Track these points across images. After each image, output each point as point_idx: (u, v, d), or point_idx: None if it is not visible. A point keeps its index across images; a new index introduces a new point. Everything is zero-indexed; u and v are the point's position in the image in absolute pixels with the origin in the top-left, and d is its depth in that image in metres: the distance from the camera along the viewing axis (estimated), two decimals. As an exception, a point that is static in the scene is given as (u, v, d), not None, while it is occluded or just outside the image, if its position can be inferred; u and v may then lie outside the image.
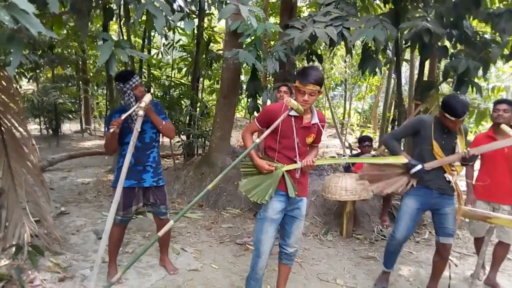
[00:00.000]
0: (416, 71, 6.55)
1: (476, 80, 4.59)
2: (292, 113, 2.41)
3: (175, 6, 4.05)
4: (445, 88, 8.57)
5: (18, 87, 10.31)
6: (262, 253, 2.48)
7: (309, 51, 5.15)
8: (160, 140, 3.14)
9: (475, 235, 3.41)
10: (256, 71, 5.02)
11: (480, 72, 4.54)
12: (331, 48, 5.12)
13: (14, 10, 1.42)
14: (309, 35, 4.22)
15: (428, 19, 4.11)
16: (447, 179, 2.80)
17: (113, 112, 2.88)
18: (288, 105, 2.32)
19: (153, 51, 8.50)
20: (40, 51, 9.70)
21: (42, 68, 10.75)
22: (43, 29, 1.46)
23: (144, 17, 6.28)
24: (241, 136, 2.68)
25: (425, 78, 5.58)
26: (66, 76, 12.08)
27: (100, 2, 2.79)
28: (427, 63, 5.56)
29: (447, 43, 5.12)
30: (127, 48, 2.48)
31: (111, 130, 2.64)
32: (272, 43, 8.32)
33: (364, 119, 18.20)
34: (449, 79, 4.88)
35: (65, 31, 9.69)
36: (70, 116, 11.54)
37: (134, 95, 2.74)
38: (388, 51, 5.97)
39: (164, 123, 2.87)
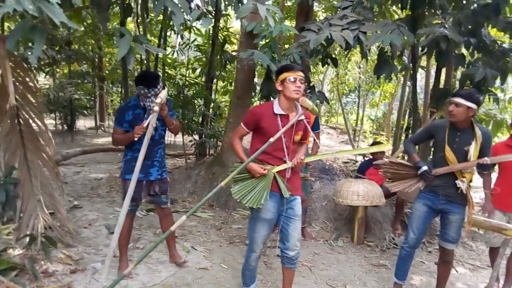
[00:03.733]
0: (432, 79, 6.48)
1: (493, 90, 4.52)
2: (278, 112, 2.44)
3: (192, 5, 4.09)
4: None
5: (35, 81, 10.50)
6: (255, 249, 2.58)
7: (324, 55, 5.13)
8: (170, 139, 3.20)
9: (489, 244, 3.35)
10: (271, 73, 5.02)
11: (498, 82, 4.47)
12: (346, 52, 5.11)
13: (39, 1, 1.44)
14: (325, 38, 4.21)
15: (446, 26, 4.07)
16: (458, 185, 2.76)
17: (125, 108, 2.87)
18: (303, 105, 2.32)
19: (168, 50, 8.56)
20: (58, 47, 9.85)
21: (59, 64, 10.90)
22: (65, 19, 1.48)
23: (160, 16, 6.34)
24: (230, 143, 2.67)
25: (441, 86, 5.52)
26: (82, 73, 12.24)
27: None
28: (443, 70, 5.50)
29: (464, 51, 5.05)
30: (145, 43, 2.50)
31: (135, 139, 2.71)
32: (286, 46, 8.32)
33: (377, 126, 18.06)
34: (466, 88, 4.82)
35: (82, 28, 9.84)
36: (85, 112, 11.66)
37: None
38: (404, 57, 5.93)
39: (174, 122, 2.93)
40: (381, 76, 4.76)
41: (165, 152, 3.13)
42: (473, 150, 2.73)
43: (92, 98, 13.03)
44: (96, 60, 12.43)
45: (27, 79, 3.32)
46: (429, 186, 2.86)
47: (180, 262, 3.20)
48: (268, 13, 2.52)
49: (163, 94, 2.71)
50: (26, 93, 3.29)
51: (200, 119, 6.70)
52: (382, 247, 4.21)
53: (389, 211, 4.79)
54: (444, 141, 2.79)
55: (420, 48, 5.05)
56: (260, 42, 4.93)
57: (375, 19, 5.06)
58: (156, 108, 2.66)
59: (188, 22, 6.71)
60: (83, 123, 13.02)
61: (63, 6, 2.16)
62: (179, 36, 6.97)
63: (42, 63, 9.71)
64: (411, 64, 5.40)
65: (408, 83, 8.64)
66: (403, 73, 7.52)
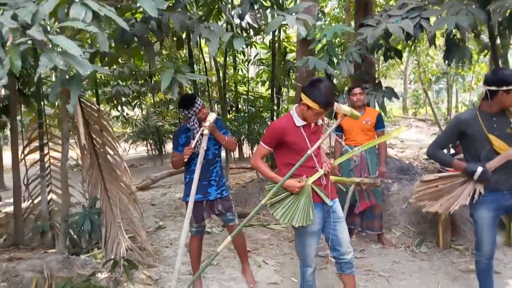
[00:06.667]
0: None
1: None
2: (299, 123, 2.38)
3: (243, 23, 4.19)
4: None
5: (125, 114, 11.68)
6: (310, 264, 2.55)
7: (386, 48, 4.83)
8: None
9: None
10: (331, 77, 4.88)
11: None
12: (414, 41, 4.75)
13: (66, 55, 1.62)
14: (383, 31, 3.98)
15: (522, -6, 3.56)
16: None
17: (178, 132, 3.08)
18: (339, 112, 2.22)
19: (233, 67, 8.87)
20: (142, 80, 10.83)
21: (145, 96, 11.92)
22: (91, 69, 1.63)
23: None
24: (253, 165, 2.63)
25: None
26: (167, 100, 13.24)
27: (167, 33, 3.01)
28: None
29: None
30: (188, 72, 2.63)
31: (185, 160, 2.87)
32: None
33: (474, 112, 16.28)
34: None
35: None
36: (171, 136, 12.56)
37: (198, 118, 2.90)
38: (483, 36, 5.31)
39: (226, 138, 2.99)
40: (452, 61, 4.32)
41: (222, 171, 3.19)
42: None
43: (180, 122, 13.98)
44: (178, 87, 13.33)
45: (100, 117, 3.72)
46: (487, 185, 2.49)
47: (250, 285, 3.23)
48: (298, 23, 2.47)
49: (211, 117, 2.83)
50: (102, 131, 3.68)
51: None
52: (473, 249, 3.75)
53: (481, 209, 4.28)
54: (483, 132, 2.45)
55: (497, 24, 4.49)
56: (319, 45, 4.81)
57: (443, 1, 4.64)
58: (206, 131, 2.79)
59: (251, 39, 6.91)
60: (171, 146, 14.00)
61: (94, 55, 2.37)
62: (240, 52, 7.19)
63: (130, 97, 10.75)
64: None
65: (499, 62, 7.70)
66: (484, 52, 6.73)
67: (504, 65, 6.57)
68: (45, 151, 3.85)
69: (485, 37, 5.32)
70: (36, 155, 3.99)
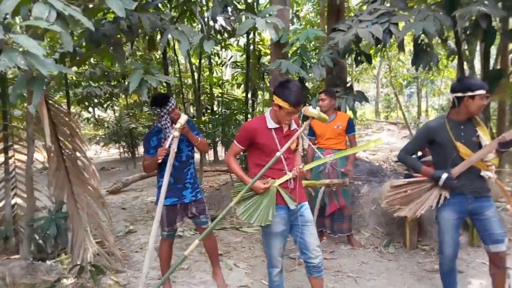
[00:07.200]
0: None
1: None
2: (272, 126, 2.42)
3: (217, 26, 4.18)
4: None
5: (97, 116, 11.40)
6: (275, 264, 2.56)
7: (357, 52, 4.94)
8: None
9: None
10: (304, 79, 4.94)
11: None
12: (383, 46, 4.87)
13: (28, 54, 1.57)
14: (354, 36, 4.07)
15: (486, 2, 3.71)
16: (486, 176, 2.51)
17: (149, 135, 3.02)
18: (307, 114, 2.26)
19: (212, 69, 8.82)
20: (115, 82, 10.59)
21: (117, 97, 11.68)
22: (54, 69, 1.59)
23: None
24: (226, 162, 2.68)
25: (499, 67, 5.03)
26: (140, 102, 13.02)
27: (137, 34, 2.97)
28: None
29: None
30: (157, 74, 2.60)
31: (159, 160, 2.81)
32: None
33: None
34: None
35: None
36: (145, 138, 12.36)
37: (170, 118, 2.87)
38: (449, 42, 5.50)
39: (199, 139, 2.97)
40: (420, 67, 4.45)
41: (196, 173, 3.19)
42: (483, 134, 2.51)
43: (153, 124, 13.75)
44: (152, 88, 13.13)
45: (69, 119, 3.62)
46: (452, 189, 2.58)
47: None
48: (268, 26, 2.50)
49: (183, 119, 2.79)
50: (70, 133, 3.59)
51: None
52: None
53: (446, 210, 4.42)
54: (450, 139, 2.54)
55: (463, 30, 4.67)
56: (294, 48, 4.86)
57: (412, 7, 4.78)
58: (176, 133, 2.75)
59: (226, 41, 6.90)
60: (145, 149, 13.78)
61: (64, 55, 2.32)
62: (215, 55, 7.17)
63: (102, 98, 10.48)
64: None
65: (465, 67, 7.98)
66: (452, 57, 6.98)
67: (471, 70, 6.83)
68: (10, 154, 3.71)
69: (452, 43, 5.51)
70: (0, 158, 3.85)
